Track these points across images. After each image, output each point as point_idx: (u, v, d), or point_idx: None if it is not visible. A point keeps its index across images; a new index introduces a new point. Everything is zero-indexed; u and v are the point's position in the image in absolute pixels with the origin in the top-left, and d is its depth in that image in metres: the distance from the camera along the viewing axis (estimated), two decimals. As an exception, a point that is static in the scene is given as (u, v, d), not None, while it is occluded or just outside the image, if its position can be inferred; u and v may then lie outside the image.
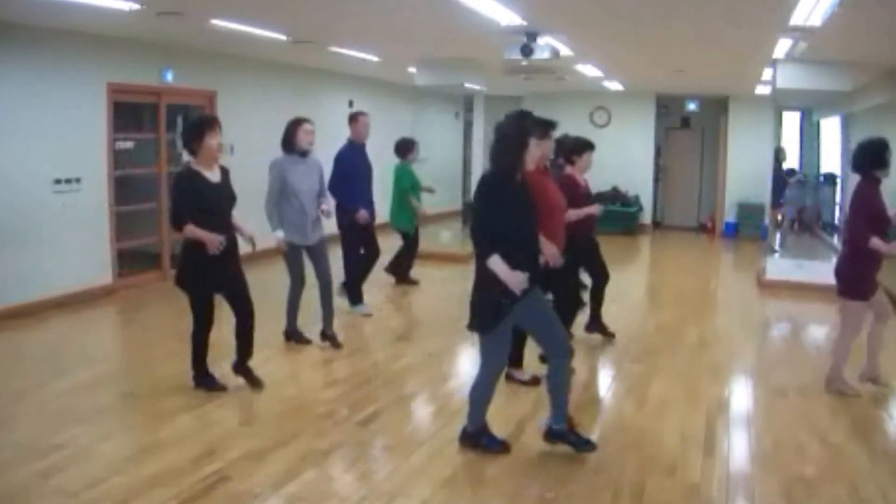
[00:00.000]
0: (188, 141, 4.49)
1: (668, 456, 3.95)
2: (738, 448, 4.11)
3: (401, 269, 8.19)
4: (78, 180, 7.12)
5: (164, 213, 8.27)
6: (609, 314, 7.35)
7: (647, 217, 13.84)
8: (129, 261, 7.98)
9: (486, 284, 3.73)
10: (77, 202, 7.11)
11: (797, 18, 5.54)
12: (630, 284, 9.52)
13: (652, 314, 7.43)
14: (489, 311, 3.73)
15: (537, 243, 3.91)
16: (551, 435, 3.93)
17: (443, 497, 3.48)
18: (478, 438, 3.94)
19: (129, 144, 8.04)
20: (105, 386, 4.96)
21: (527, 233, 3.78)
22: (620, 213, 13.42)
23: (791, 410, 4.69)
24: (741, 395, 5.07)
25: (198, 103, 8.81)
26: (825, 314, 7.81)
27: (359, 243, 6.83)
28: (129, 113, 8.09)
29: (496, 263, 3.64)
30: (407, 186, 7.80)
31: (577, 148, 5.51)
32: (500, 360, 3.95)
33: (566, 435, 3.90)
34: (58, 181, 6.92)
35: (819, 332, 7.37)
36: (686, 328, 6.73)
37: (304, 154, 5.54)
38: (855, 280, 4.79)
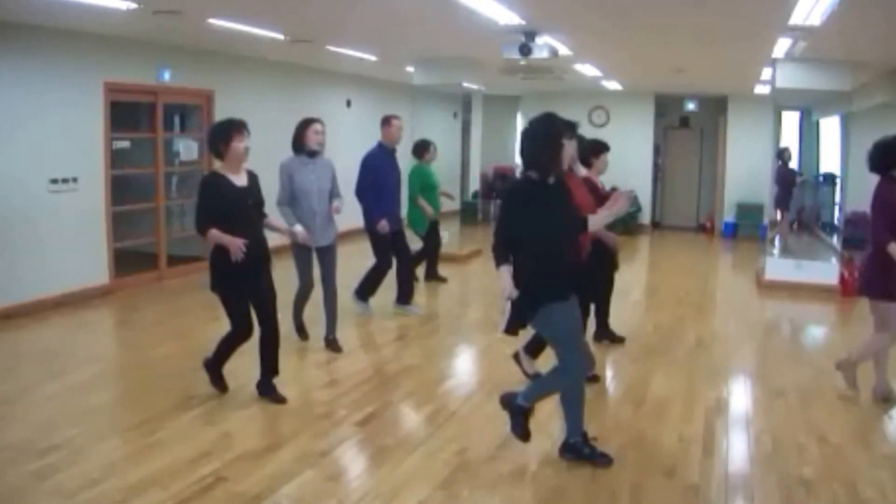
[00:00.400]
0: (215, 143, 4.41)
1: (667, 456, 3.94)
2: (737, 449, 4.09)
3: (431, 269, 8.45)
4: (75, 180, 7.10)
5: (162, 213, 8.28)
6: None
7: (645, 217, 13.83)
8: (127, 261, 7.95)
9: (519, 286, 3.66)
10: (74, 202, 7.09)
11: (797, 18, 5.53)
12: (629, 285, 9.50)
13: (650, 314, 7.42)
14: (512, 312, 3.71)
15: (571, 249, 3.82)
16: (565, 450, 3.85)
17: (440, 499, 3.46)
18: (580, 449, 3.84)
19: (126, 144, 8.02)
20: (102, 386, 4.95)
21: (558, 238, 3.68)
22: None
23: (790, 411, 4.68)
24: (740, 396, 5.05)
25: (195, 103, 8.79)
26: (824, 314, 7.82)
27: (390, 249, 6.76)
28: (126, 112, 8.07)
29: (501, 274, 3.62)
30: (416, 188, 7.82)
31: (596, 149, 5.39)
32: (577, 366, 3.77)
33: (580, 448, 3.82)
34: (54, 181, 6.90)
35: (818, 333, 7.36)
36: (685, 328, 6.72)
37: (312, 154, 5.48)
38: (881, 279, 4.60)
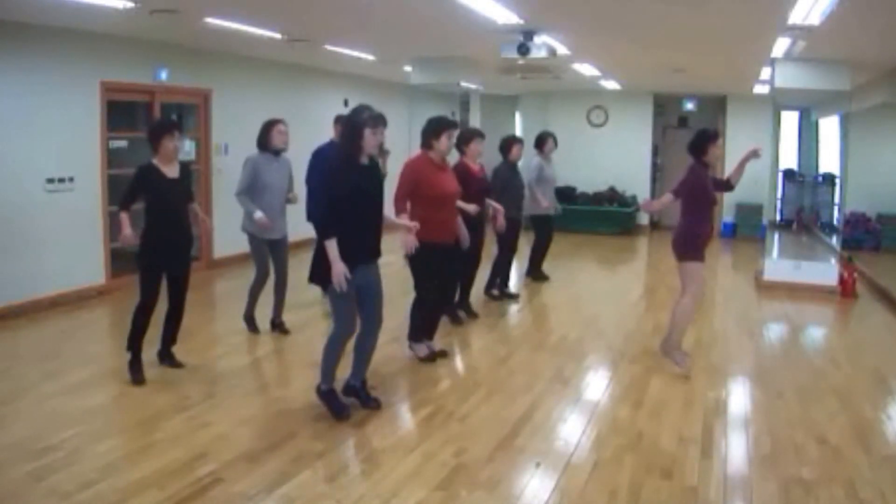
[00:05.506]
0: (150, 140, 4.90)
1: (666, 458, 3.92)
2: (735, 450, 4.07)
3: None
4: (71, 179, 7.07)
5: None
6: (606, 314, 7.35)
7: (644, 218, 13.79)
8: (123, 261, 7.91)
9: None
10: (70, 201, 7.07)
11: (796, 17, 5.52)
12: (627, 285, 9.49)
13: (649, 315, 7.40)
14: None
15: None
16: (345, 390, 4.50)
17: (437, 499, 3.45)
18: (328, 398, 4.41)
19: (123, 143, 7.99)
20: (98, 387, 4.92)
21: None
22: (617, 213, 13.38)
23: (789, 412, 4.67)
24: (739, 397, 5.03)
25: (192, 102, 8.76)
26: (823, 315, 7.81)
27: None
28: (122, 112, 8.04)
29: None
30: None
31: (466, 137, 6.33)
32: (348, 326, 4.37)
33: (358, 391, 4.51)
34: (50, 180, 6.88)
35: (817, 333, 7.35)
36: (683, 329, 6.69)
37: (277, 153, 5.86)
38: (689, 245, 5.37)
